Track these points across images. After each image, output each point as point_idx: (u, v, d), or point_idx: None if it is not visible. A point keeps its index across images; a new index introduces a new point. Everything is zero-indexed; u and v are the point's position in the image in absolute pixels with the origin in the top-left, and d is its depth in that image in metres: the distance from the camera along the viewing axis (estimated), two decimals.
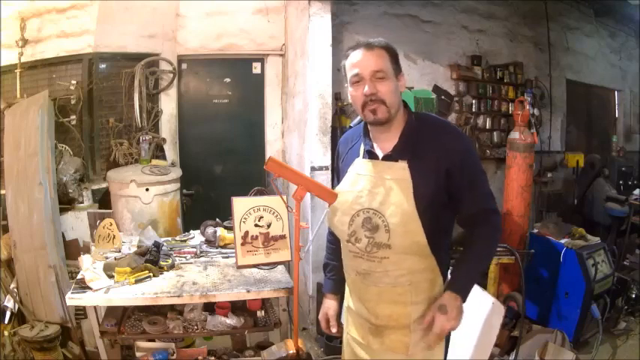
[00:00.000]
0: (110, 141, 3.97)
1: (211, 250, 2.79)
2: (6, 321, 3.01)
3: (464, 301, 1.52)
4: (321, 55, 3.68)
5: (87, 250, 2.98)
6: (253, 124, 4.67)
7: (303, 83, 3.85)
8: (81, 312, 3.00)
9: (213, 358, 2.55)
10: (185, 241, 2.96)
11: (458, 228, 1.69)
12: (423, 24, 4.74)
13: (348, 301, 1.80)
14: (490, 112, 5.19)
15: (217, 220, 3.01)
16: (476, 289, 2.90)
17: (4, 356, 2.91)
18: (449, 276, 1.64)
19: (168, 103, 4.32)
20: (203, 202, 4.43)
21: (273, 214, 2.59)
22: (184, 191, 4.08)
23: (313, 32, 3.66)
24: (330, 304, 1.90)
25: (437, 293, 1.62)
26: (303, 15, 3.76)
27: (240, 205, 2.56)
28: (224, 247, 2.80)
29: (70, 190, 3.63)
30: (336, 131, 4.13)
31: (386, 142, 1.62)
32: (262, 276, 2.46)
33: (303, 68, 3.86)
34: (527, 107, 3.68)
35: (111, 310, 2.43)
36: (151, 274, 2.34)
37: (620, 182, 5.05)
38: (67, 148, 3.77)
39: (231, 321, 2.41)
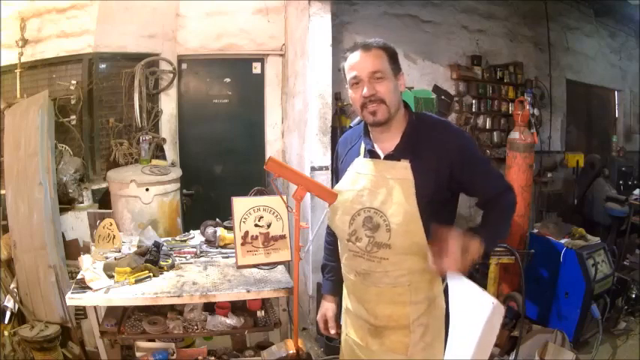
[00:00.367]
0: (110, 141, 3.97)
1: (211, 250, 2.79)
2: (6, 321, 3.01)
3: (486, 255, 1.52)
4: (321, 55, 3.68)
5: (87, 250, 2.98)
6: (253, 124, 4.67)
7: (303, 83, 3.85)
8: (81, 312, 3.00)
9: (213, 358, 2.55)
10: (185, 241, 2.96)
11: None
12: (423, 24, 4.74)
13: (347, 302, 1.80)
14: (490, 112, 5.19)
15: (217, 220, 3.01)
16: (476, 289, 2.91)
17: (4, 356, 2.91)
18: (448, 278, 1.64)
19: (168, 103, 4.32)
20: (203, 202, 4.43)
21: (273, 214, 2.59)
22: (184, 191, 4.08)
23: (313, 32, 3.66)
24: (328, 306, 1.90)
25: (436, 293, 1.62)
26: (303, 15, 3.76)
27: (240, 205, 2.56)
28: (224, 247, 2.80)
29: (70, 190, 3.62)
30: (336, 131, 4.13)
31: (386, 142, 1.62)
32: (262, 276, 2.46)
33: (303, 68, 3.86)
34: (527, 107, 3.68)
35: (111, 310, 2.43)
36: (151, 274, 2.34)
37: (620, 182, 5.05)
38: (67, 148, 3.77)
39: (231, 321, 2.41)
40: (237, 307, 2.54)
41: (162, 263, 2.46)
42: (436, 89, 4.80)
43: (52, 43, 3.80)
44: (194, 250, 2.77)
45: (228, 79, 4.60)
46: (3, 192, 3.26)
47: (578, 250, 3.43)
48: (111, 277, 2.31)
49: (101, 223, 2.74)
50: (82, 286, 2.23)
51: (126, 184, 3.49)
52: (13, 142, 3.25)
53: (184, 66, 4.48)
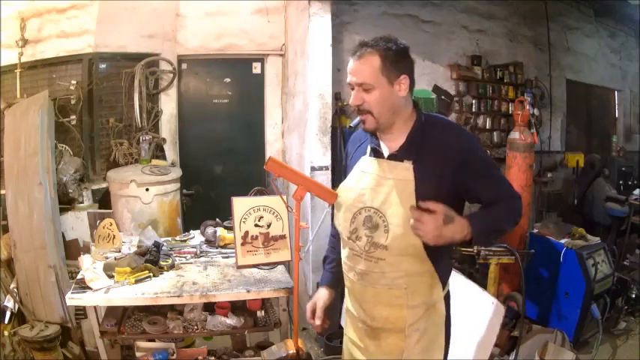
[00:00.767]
0: (110, 141, 3.97)
1: (211, 250, 2.79)
2: (6, 321, 3.01)
3: (471, 238, 1.45)
4: (321, 55, 3.68)
5: (87, 250, 2.98)
6: (253, 124, 4.67)
7: (303, 83, 3.85)
8: (81, 312, 3.00)
9: (213, 358, 2.55)
10: (185, 241, 2.96)
11: None
12: (422, 24, 4.74)
13: (347, 302, 1.78)
14: (490, 112, 5.19)
15: (217, 220, 3.01)
16: (476, 289, 2.91)
17: (4, 356, 2.91)
18: (450, 284, 1.63)
19: (168, 103, 4.32)
20: (203, 202, 4.43)
21: (273, 214, 2.59)
22: (184, 191, 4.08)
23: (313, 32, 3.66)
24: (321, 295, 1.83)
25: (435, 298, 1.60)
26: (303, 15, 3.76)
27: (240, 205, 2.56)
28: (224, 247, 2.80)
29: (70, 190, 3.62)
30: (336, 131, 4.13)
31: (392, 141, 1.60)
32: (262, 276, 2.46)
33: (303, 68, 3.86)
34: (527, 107, 3.67)
35: (111, 310, 2.43)
36: (151, 274, 2.34)
37: (620, 182, 5.05)
38: (67, 148, 3.77)
39: (231, 321, 2.41)
40: (237, 307, 2.54)
41: (162, 263, 2.46)
42: (436, 89, 4.80)
43: (52, 43, 3.80)
44: (194, 250, 2.77)
45: (228, 79, 4.60)
46: (3, 192, 3.26)
47: (578, 250, 3.43)
48: (111, 277, 2.31)
49: (101, 223, 2.74)
50: (82, 286, 2.23)
51: (126, 184, 3.49)
52: (13, 142, 3.25)
53: (184, 66, 4.48)
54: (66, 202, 3.60)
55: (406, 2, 4.63)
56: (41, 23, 3.78)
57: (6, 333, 2.97)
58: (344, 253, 1.71)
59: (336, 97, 4.18)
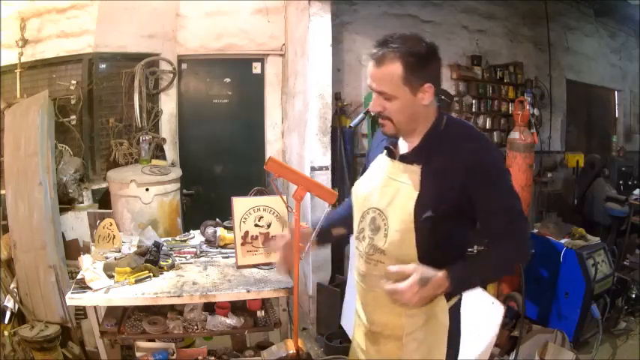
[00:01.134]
0: (110, 141, 3.97)
1: (211, 250, 2.79)
2: (6, 321, 3.01)
3: (450, 293, 1.41)
4: (321, 55, 3.68)
5: (87, 250, 2.98)
6: (253, 124, 4.66)
7: (303, 83, 3.85)
8: (81, 312, 3.00)
9: (213, 358, 2.55)
10: (185, 241, 2.96)
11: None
12: (423, 24, 4.74)
13: (357, 303, 1.74)
14: (490, 112, 5.19)
15: (217, 220, 3.01)
16: (476, 289, 2.91)
17: (4, 356, 2.91)
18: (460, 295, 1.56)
19: (168, 103, 4.32)
20: (203, 202, 4.43)
21: (273, 214, 2.59)
22: (184, 191, 4.08)
23: (313, 32, 3.66)
24: (294, 229, 1.73)
25: (437, 309, 1.51)
26: (303, 15, 3.76)
27: (240, 205, 2.56)
28: (224, 247, 2.79)
29: (70, 190, 3.62)
30: (336, 131, 4.13)
31: (409, 142, 1.53)
32: (262, 276, 2.45)
33: (303, 68, 3.86)
34: (527, 107, 3.67)
35: (111, 310, 2.43)
36: (151, 274, 2.34)
37: (620, 182, 5.05)
38: (67, 148, 3.77)
39: (231, 321, 2.41)
40: (237, 307, 2.54)
41: (162, 263, 2.46)
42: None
43: (52, 43, 3.80)
44: (194, 250, 2.76)
45: (228, 79, 4.60)
46: (3, 192, 3.26)
47: (578, 250, 3.43)
48: (111, 277, 2.31)
49: (101, 223, 2.74)
50: (82, 286, 2.23)
51: (126, 184, 3.49)
52: (13, 142, 3.25)
53: (184, 66, 4.48)
54: (66, 202, 3.60)
55: (406, 2, 4.64)
56: (41, 23, 3.78)
57: (6, 333, 2.97)
58: (353, 252, 1.69)
59: (336, 97, 4.18)
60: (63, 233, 3.42)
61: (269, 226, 2.58)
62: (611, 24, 6.12)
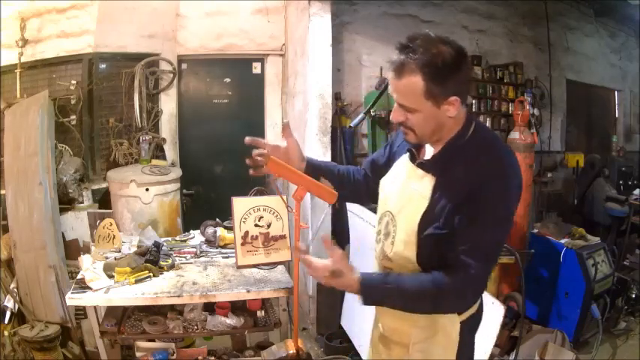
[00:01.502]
0: (110, 141, 3.97)
1: (211, 250, 2.79)
2: (6, 321, 3.01)
3: (362, 297, 1.35)
4: (321, 55, 3.68)
5: (87, 250, 2.98)
6: (253, 124, 4.66)
7: (303, 83, 3.84)
8: (81, 312, 3.00)
9: (213, 358, 2.55)
10: (185, 241, 2.96)
11: None
12: (423, 24, 4.74)
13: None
14: (490, 112, 5.19)
15: (217, 220, 3.01)
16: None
17: (4, 356, 2.91)
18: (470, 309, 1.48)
19: (168, 103, 4.32)
20: (203, 202, 4.43)
21: (273, 214, 2.59)
22: (184, 191, 4.08)
23: (313, 32, 3.66)
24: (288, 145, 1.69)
25: (446, 322, 1.43)
26: (303, 15, 3.76)
27: (240, 205, 2.56)
28: (224, 247, 2.79)
29: (70, 190, 3.62)
30: (336, 131, 4.14)
31: (434, 148, 1.44)
32: (262, 276, 2.45)
33: (303, 68, 3.86)
34: (527, 107, 3.67)
35: (111, 310, 2.43)
36: (151, 274, 2.34)
37: (620, 182, 5.05)
38: (67, 148, 3.77)
39: (231, 321, 2.41)
40: (237, 307, 2.54)
41: (162, 263, 2.46)
42: None
43: (52, 43, 3.80)
44: (194, 250, 2.76)
45: (228, 79, 4.60)
46: (3, 192, 3.26)
47: (578, 250, 3.43)
48: (111, 277, 2.31)
49: (101, 223, 2.74)
50: (82, 286, 2.23)
51: (126, 184, 3.49)
52: (13, 142, 3.25)
53: (184, 66, 4.48)
54: (66, 202, 3.60)
55: (406, 2, 4.64)
56: (41, 23, 3.78)
57: (6, 333, 2.97)
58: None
59: (336, 97, 4.18)
60: (63, 233, 3.42)
61: (269, 226, 2.58)
62: (611, 24, 6.13)
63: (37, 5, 3.76)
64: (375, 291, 1.36)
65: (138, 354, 2.50)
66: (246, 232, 2.54)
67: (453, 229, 1.31)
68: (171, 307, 2.47)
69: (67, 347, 3.04)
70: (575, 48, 5.76)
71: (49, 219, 3.11)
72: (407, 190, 1.44)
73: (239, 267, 2.52)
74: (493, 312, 2.56)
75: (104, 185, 3.84)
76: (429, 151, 1.45)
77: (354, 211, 3.26)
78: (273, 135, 4.66)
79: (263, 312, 2.54)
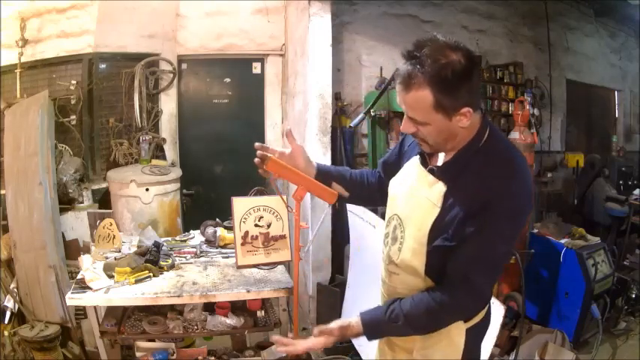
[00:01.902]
0: (110, 141, 3.97)
1: (211, 250, 2.79)
2: (6, 321, 3.01)
3: (368, 337, 1.41)
4: (321, 55, 3.68)
5: (87, 250, 2.98)
6: (253, 124, 4.66)
7: (303, 83, 3.84)
8: (81, 312, 3.00)
9: (213, 358, 2.56)
10: (185, 241, 2.96)
11: None
12: (423, 24, 4.74)
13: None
14: (490, 112, 5.18)
15: (217, 220, 3.01)
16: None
17: (4, 356, 2.91)
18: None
19: (168, 103, 4.32)
20: (203, 202, 4.43)
21: (273, 214, 2.59)
22: (184, 191, 4.08)
23: (313, 32, 3.66)
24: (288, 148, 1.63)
25: (454, 330, 1.41)
26: (303, 15, 3.76)
27: (240, 205, 2.56)
28: (224, 247, 2.80)
29: (70, 190, 3.62)
30: (336, 131, 4.13)
31: (447, 154, 1.40)
32: (262, 276, 2.45)
33: (303, 68, 3.86)
34: (527, 107, 3.68)
35: (111, 310, 2.43)
36: (151, 274, 2.34)
37: (620, 182, 5.05)
38: (67, 148, 3.77)
39: (231, 321, 2.41)
40: (237, 307, 2.54)
41: (162, 263, 2.46)
42: None
43: (52, 43, 3.80)
44: (194, 250, 2.77)
45: (228, 79, 4.60)
46: (3, 192, 3.26)
47: (578, 250, 3.43)
48: (111, 277, 2.31)
49: (101, 223, 2.74)
50: (82, 286, 2.23)
51: (126, 184, 3.49)
52: (13, 142, 3.25)
53: (184, 66, 4.48)
54: (66, 202, 3.60)
55: (406, 2, 4.64)
56: (41, 23, 3.78)
57: (6, 333, 2.97)
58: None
59: (336, 97, 4.18)
60: (63, 233, 3.42)
61: (269, 226, 2.58)
62: (611, 24, 6.12)
63: (37, 5, 3.76)
64: (381, 330, 1.43)
65: (138, 354, 2.50)
66: (246, 232, 2.54)
67: (460, 241, 1.28)
68: (171, 307, 2.47)
69: (67, 347, 3.05)
70: (575, 48, 5.76)
71: (49, 219, 3.11)
72: (416, 196, 1.40)
73: (239, 267, 2.52)
74: (493, 312, 2.56)
75: (104, 185, 3.85)
76: (441, 157, 1.41)
77: (354, 211, 3.26)
78: (273, 135, 4.66)
79: (263, 312, 2.54)
